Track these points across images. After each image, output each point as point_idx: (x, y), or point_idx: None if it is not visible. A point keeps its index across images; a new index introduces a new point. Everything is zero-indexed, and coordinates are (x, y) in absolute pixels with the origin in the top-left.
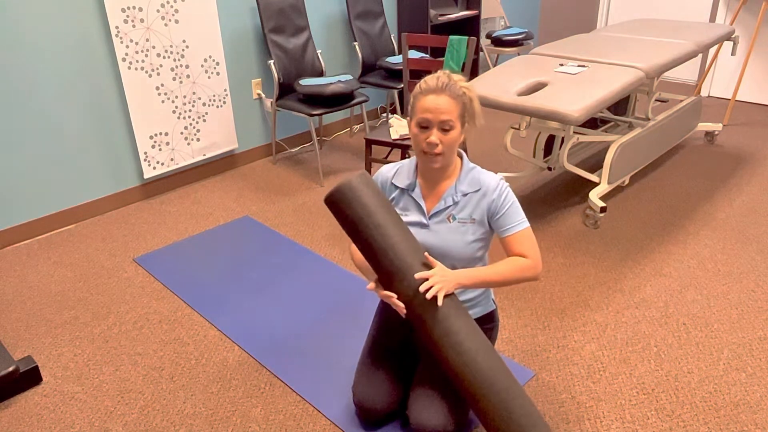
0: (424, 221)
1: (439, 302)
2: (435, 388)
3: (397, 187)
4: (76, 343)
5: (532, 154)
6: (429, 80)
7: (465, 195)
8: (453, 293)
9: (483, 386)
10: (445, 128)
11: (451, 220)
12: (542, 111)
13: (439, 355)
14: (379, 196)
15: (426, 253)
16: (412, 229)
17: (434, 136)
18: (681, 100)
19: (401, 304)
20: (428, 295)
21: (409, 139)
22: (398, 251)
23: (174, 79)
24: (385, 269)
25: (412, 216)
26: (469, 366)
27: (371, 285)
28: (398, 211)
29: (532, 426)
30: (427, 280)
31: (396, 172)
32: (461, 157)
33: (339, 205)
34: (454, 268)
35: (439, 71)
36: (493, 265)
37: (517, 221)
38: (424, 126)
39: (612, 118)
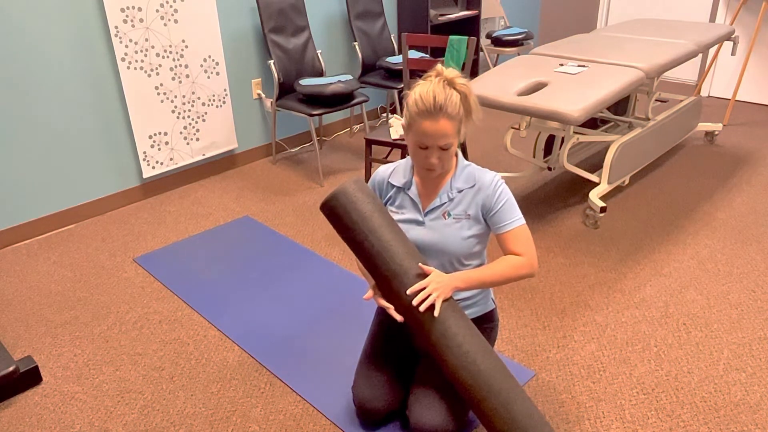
0: (420, 218)
1: (436, 313)
2: (435, 388)
3: (393, 186)
4: (76, 343)
5: (532, 154)
6: (425, 97)
7: (460, 191)
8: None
9: (482, 388)
10: (443, 149)
11: (446, 217)
12: (542, 111)
13: (437, 358)
14: (374, 202)
15: (420, 264)
16: (409, 227)
17: (434, 158)
18: (681, 100)
19: (398, 316)
20: (422, 308)
21: None
22: (394, 255)
23: (173, 78)
24: (382, 273)
25: (408, 213)
26: (468, 368)
27: (369, 294)
28: (394, 209)
29: (534, 427)
30: (423, 289)
31: (393, 171)
32: (456, 155)
33: (335, 211)
34: (452, 265)
35: (432, 74)
36: (489, 265)
37: (513, 218)
38: (423, 147)
39: (612, 118)
